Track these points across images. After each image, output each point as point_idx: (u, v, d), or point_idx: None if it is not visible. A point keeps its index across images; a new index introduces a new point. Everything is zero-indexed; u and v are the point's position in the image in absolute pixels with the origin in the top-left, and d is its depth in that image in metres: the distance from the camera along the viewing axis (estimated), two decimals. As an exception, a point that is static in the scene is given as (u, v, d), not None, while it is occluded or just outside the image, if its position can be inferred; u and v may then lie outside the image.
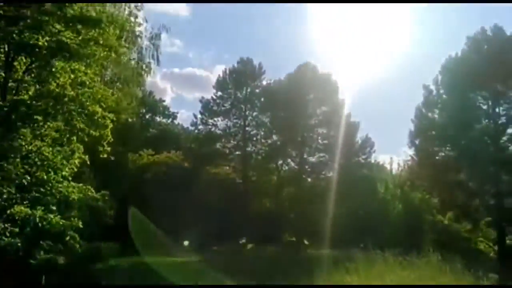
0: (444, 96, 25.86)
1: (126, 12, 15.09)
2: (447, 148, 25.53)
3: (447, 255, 10.42)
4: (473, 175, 23.96)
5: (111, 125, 10.32)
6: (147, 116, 39.42)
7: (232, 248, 28.03)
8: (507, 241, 23.18)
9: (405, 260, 10.23)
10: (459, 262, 10.15)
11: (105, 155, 10.32)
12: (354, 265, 10.39)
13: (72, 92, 9.86)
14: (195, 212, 28.40)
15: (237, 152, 34.38)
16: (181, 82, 67.85)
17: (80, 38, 10.26)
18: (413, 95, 50.16)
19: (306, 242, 30.32)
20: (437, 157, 25.70)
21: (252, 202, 33.05)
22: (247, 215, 30.35)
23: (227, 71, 34.19)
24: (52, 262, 14.99)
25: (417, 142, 26.40)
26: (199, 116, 34.12)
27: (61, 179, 10.07)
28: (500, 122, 24.45)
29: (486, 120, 25.08)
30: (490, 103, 24.75)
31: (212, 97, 34.13)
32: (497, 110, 24.62)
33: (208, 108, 33.91)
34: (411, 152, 27.73)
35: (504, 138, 24.36)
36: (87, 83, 10.39)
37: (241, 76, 33.75)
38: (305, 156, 32.81)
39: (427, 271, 9.43)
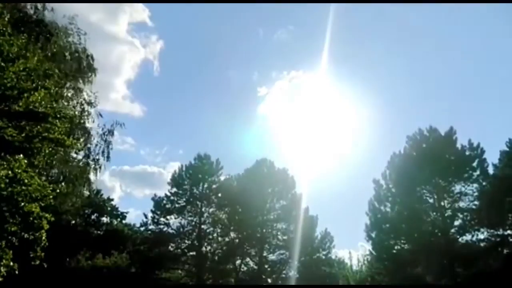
0: (393, 190, 26.79)
1: (79, 109, 15.01)
2: (402, 241, 25.69)
3: None
4: (429, 268, 23.93)
5: (47, 227, 9.36)
6: (92, 217, 37.09)
7: None
8: None
9: None
10: None
11: (38, 262, 9.15)
12: None
13: (6, 191, 9.07)
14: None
15: (191, 253, 32.42)
16: (131, 180, 66.10)
17: (23, 134, 9.83)
18: (366, 188, 52.03)
19: None
20: (393, 251, 25.63)
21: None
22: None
23: (183, 167, 33.82)
24: None
25: (373, 235, 26.44)
26: (150, 215, 32.23)
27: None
28: (446, 214, 25.33)
29: (434, 213, 25.90)
30: (435, 197, 25.84)
31: (166, 194, 32.97)
32: (442, 203, 25.66)
33: (160, 206, 32.46)
34: (368, 246, 27.59)
35: (453, 230, 25.04)
36: (26, 181, 9.67)
37: (198, 171, 33.35)
38: (264, 253, 31.64)
39: None
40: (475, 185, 25.10)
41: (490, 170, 25.20)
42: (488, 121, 52.43)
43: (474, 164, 25.12)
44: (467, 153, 25.49)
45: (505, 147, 25.49)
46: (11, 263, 9.34)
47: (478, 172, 25.04)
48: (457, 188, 25.55)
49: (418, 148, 26.47)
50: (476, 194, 25.00)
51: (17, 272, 9.41)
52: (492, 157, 26.07)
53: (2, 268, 9.15)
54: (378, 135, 50.28)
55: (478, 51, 55.42)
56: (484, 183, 24.79)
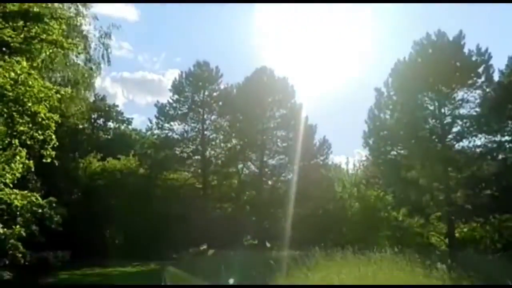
0: (394, 97, 26.85)
1: (73, 10, 14.50)
2: (399, 147, 26.48)
3: (401, 250, 10.82)
4: (424, 172, 24.99)
5: (54, 127, 9.75)
6: (99, 121, 38.06)
7: (192, 254, 27.56)
8: (456, 234, 24.33)
9: (362, 256, 10.51)
10: (412, 254, 10.57)
11: (49, 160, 9.71)
12: (314, 262, 10.60)
13: (12, 93, 9.28)
14: (153, 219, 27.71)
15: (196, 157, 33.89)
16: (132, 86, 66.43)
17: (22, 36, 9.72)
18: (366, 98, 52.11)
19: (267, 244, 30.37)
20: (389, 156, 26.59)
21: (213, 206, 32.76)
22: (208, 221, 30.01)
23: (183, 74, 33.72)
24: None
25: (370, 142, 27.20)
26: (154, 120, 33.35)
27: (2, 186, 9.40)
28: (445, 121, 25.70)
29: (433, 120, 26.29)
30: (436, 104, 25.98)
31: (168, 101, 33.50)
32: (442, 110, 25.87)
33: (164, 112, 33.19)
34: (365, 152, 28.58)
35: (450, 136, 25.63)
36: (30, 82, 9.82)
37: (198, 79, 33.40)
38: (265, 159, 32.99)
39: (382, 264, 9.67)
40: (478, 91, 24.92)
41: (496, 77, 24.86)
42: (499, 26, 50.31)
43: (480, 70, 24.69)
44: (474, 58, 24.86)
45: (514, 52, 24.79)
46: (27, 161, 9.97)
47: (483, 79, 24.72)
48: (459, 95, 25.45)
49: (424, 54, 25.82)
50: (478, 101, 24.99)
51: (33, 169, 10.09)
52: (500, 64, 25.55)
53: (18, 164, 9.78)
54: (383, 44, 48.75)
55: None
56: (487, 90, 24.64)
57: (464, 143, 25.36)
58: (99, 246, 25.57)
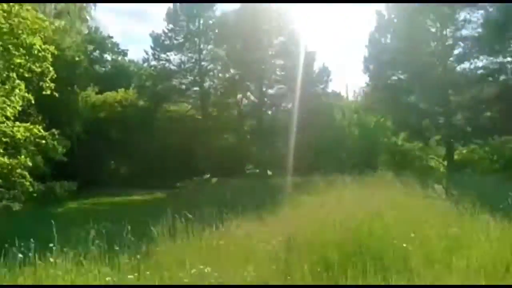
0: (395, 20, 25.95)
1: None
2: (399, 71, 26.10)
3: (401, 173, 11.08)
4: (424, 96, 24.90)
5: (51, 58, 9.46)
6: (95, 53, 37.00)
7: (196, 183, 28.34)
8: (455, 157, 24.89)
9: (361, 179, 10.80)
10: (410, 176, 10.89)
11: (49, 92, 9.56)
12: (314, 187, 10.94)
13: (5, 25, 8.87)
14: (155, 150, 28.13)
15: (194, 88, 33.51)
16: (125, 17, 63.60)
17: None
18: (366, 23, 50.17)
19: (269, 172, 31.16)
20: (389, 81, 26.31)
21: (214, 137, 33.08)
22: (209, 151, 30.47)
23: (178, 2, 32.17)
24: (7, 210, 14.38)
25: (371, 67, 26.77)
26: (150, 51, 32.47)
27: (4, 119, 9.37)
28: (447, 43, 25.06)
29: (435, 43, 25.61)
30: (438, 26, 25.12)
31: (163, 31, 32.31)
32: (444, 32, 25.09)
33: (159, 43, 32.18)
34: (365, 78, 28.24)
35: (451, 59, 25.14)
36: (23, 14, 9.34)
37: (193, 7, 31.93)
38: (264, 89, 32.64)
39: (381, 187, 9.95)
40: (481, 12, 24.02)
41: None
42: None
43: (484, -13, 23.53)
44: (477, -23, 23.62)
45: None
46: (26, 94, 9.82)
47: (485, -1, 23.68)
48: (462, 15, 24.54)
49: (426, -26, 24.41)
50: (480, 21, 24.15)
51: (33, 102, 9.98)
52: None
53: (18, 98, 9.66)
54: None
55: None
56: (490, 10, 23.70)
57: (466, 65, 24.97)
58: (104, 178, 26.25)
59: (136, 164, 28.73)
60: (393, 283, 4.79)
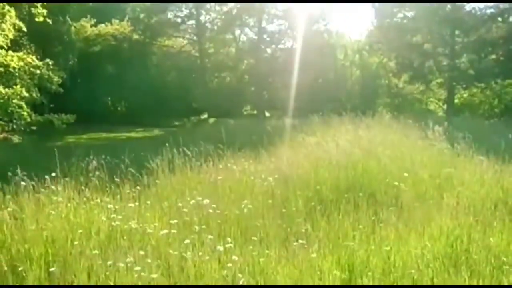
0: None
1: None
2: (406, 8, 25.08)
3: (400, 115, 11.04)
4: (429, 36, 24.22)
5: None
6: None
7: (193, 122, 28.39)
8: (456, 100, 24.74)
9: (360, 121, 10.79)
10: (409, 119, 10.90)
11: (42, 19, 9.16)
12: (312, 128, 10.97)
13: None
14: (152, 87, 27.76)
15: (190, 22, 32.21)
16: None
17: None
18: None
19: (267, 114, 31.10)
20: (395, 19, 25.39)
21: (211, 75, 32.51)
22: (207, 90, 30.11)
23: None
24: (8, 142, 14.47)
25: (377, 4, 25.71)
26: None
27: (-4, 48, 9.06)
28: (458, -20, 23.82)
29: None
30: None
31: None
32: (455, -32, 23.75)
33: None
34: (371, 16, 27.20)
35: (461, -4, 24.06)
36: None
37: None
38: (263, 24, 31.44)
39: (379, 128, 9.97)
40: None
41: None
42: None
43: None
44: None
45: None
46: (17, 21, 9.41)
47: None
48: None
49: None
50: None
51: (24, 30, 9.59)
52: None
53: (9, 25, 9.27)
54: None
55: None
56: None
57: (475, 4, 23.99)
58: (101, 114, 26.12)
59: (133, 102, 28.48)
60: (383, 217, 4.97)
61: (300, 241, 4.33)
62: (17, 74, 9.46)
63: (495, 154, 7.33)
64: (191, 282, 3.71)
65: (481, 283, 3.69)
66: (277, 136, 10.56)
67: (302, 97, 24.42)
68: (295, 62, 25.52)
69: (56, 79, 11.00)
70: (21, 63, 9.64)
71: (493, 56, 21.91)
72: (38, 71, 9.96)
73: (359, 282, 3.74)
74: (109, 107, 30.29)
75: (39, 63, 10.37)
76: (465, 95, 24.47)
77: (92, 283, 3.63)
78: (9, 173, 5.31)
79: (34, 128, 13.83)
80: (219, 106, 28.74)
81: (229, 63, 32.60)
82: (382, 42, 26.18)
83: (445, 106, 25.30)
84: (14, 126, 12.54)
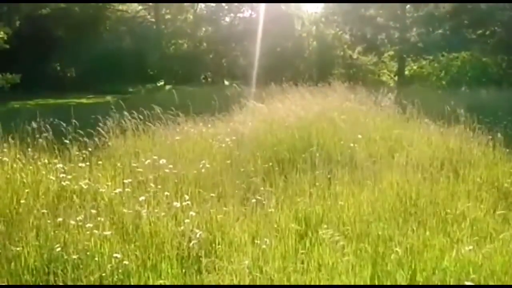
0: None
1: None
2: (362, -18, 25.28)
3: (355, 85, 11.37)
4: (382, 10, 24.71)
5: None
6: None
7: (149, 89, 27.47)
8: (406, 72, 25.69)
9: (316, 89, 10.97)
10: (363, 88, 11.21)
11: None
12: (269, 95, 11.00)
13: None
14: (106, 53, 26.40)
15: (146, -14, 30.66)
16: None
17: None
18: None
19: (225, 82, 30.70)
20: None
21: (168, 42, 31.39)
22: (163, 57, 29.13)
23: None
24: None
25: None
26: None
27: None
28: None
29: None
30: None
31: None
32: None
33: None
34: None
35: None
36: None
37: None
38: (222, -7, 30.53)
39: (334, 95, 10.16)
40: None
41: None
42: None
43: None
44: None
45: None
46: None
47: None
48: None
49: None
50: None
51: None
52: None
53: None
54: None
55: None
56: None
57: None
58: (50, 79, 24.59)
59: (85, 68, 26.92)
60: (338, 175, 5.11)
61: (258, 198, 4.36)
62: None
63: (441, 119, 7.74)
64: (146, 239, 3.64)
65: (428, 234, 3.91)
66: (235, 103, 10.49)
67: (260, 65, 24.24)
68: (253, 31, 25.20)
69: (1, 34, 10.03)
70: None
71: (440, 31, 22.76)
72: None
73: (315, 235, 3.84)
74: (58, 72, 28.55)
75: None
76: (414, 67, 25.42)
77: (41, 241, 3.46)
78: None
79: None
80: (176, 73, 28.00)
81: (186, 29, 31.58)
82: (338, 15, 26.42)
83: (396, 78, 26.21)
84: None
